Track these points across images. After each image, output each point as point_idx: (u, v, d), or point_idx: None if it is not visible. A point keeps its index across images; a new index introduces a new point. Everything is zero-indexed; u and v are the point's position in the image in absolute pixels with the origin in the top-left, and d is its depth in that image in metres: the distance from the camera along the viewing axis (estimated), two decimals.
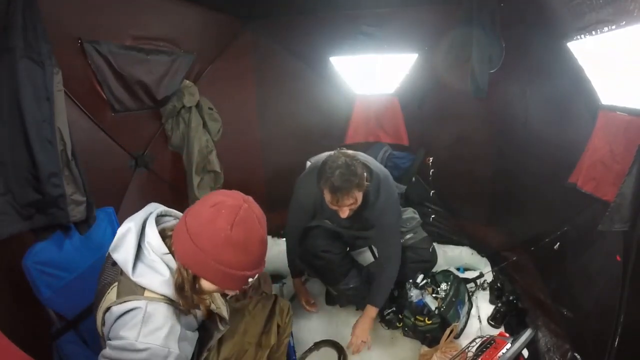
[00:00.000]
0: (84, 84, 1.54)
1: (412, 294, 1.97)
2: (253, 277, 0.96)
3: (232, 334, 1.32)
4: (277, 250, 2.61)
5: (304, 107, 2.65)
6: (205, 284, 0.97)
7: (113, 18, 1.55)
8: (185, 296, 0.95)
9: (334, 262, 1.96)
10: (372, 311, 1.87)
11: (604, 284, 1.47)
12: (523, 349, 1.62)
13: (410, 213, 2.15)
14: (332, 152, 1.66)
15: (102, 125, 1.68)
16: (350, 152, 1.67)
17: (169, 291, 0.93)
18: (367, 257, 2.37)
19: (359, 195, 1.60)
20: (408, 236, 2.04)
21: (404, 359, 1.93)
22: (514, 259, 2.27)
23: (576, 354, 1.58)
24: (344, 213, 1.62)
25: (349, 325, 1.96)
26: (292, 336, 1.68)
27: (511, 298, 2.02)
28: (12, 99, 1.06)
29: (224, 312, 1.15)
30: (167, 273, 0.93)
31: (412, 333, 1.95)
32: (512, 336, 1.75)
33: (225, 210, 0.89)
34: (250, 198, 0.97)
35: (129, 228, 0.95)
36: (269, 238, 2.70)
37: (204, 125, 2.23)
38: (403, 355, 1.95)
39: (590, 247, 1.61)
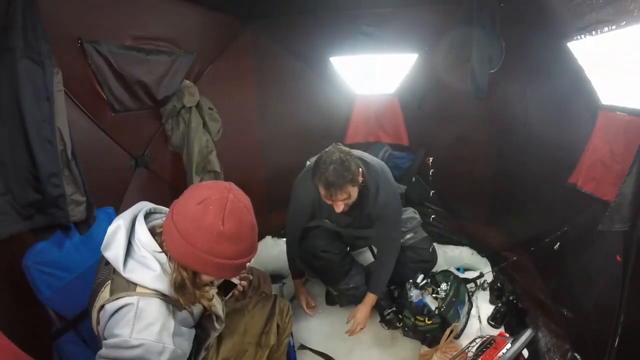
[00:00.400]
0: (84, 84, 1.54)
1: (412, 294, 1.97)
2: (250, 262, 0.99)
3: (231, 333, 1.32)
4: (277, 250, 2.62)
5: (304, 107, 2.65)
6: (205, 277, 0.99)
7: (113, 18, 1.55)
8: (187, 294, 0.96)
9: (334, 262, 1.97)
10: (372, 299, 1.93)
11: (604, 284, 1.47)
12: (523, 349, 1.62)
13: (410, 213, 2.15)
14: (327, 148, 1.67)
15: (102, 125, 1.68)
16: (345, 147, 1.68)
17: (161, 286, 0.93)
18: (367, 257, 2.37)
19: (353, 191, 1.61)
20: (408, 236, 2.04)
21: (404, 359, 1.93)
22: (514, 259, 2.27)
23: (576, 354, 1.58)
24: (339, 208, 1.64)
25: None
26: (292, 336, 1.68)
27: (511, 298, 2.02)
28: (12, 99, 1.06)
29: (220, 310, 1.15)
30: (158, 268, 0.93)
31: (412, 333, 1.95)
32: (512, 336, 1.75)
33: (212, 206, 0.89)
34: (232, 185, 0.97)
35: (118, 225, 0.95)
36: (269, 238, 2.74)
37: (204, 125, 2.23)
38: (403, 355, 1.95)
39: (590, 247, 1.61)
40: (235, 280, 1.27)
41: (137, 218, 0.99)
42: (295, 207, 1.94)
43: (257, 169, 2.81)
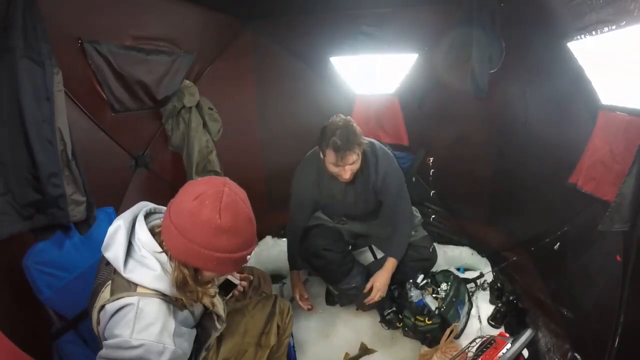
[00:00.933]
0: (84, 84, 1.54)
1: (412, 294, 1.97)
2: (250, 254, 0.99)
3: (232, 334, 1.32)
4: (277, 250, 2.62)
5: (304, 107, 2.65)
6: (207, 273, 0.99)
7: (113, 18, 1.55)
8: (189, 291, 0.97)
9: (334, 261, 1.97)
10: (392, 264, 1.92)
11: (604, 284, 1.47)
12: (523, 349, 1.62)
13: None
14: (330, 119, 1.71)
15: (102, 125, 1.68)
16: (346, 116, 1.73)
17: (162, 286, 0.93)
18: (367, 257, 2.37)
19: (360, 154, 1.67)
20: None
21: (404, 359, 1.93)
22: (514, 259, 2.27)
23: (576, 354, 1.58)
24: (347, 174, 1.66)
25: (349, 326, 1.96)
26: (292, 336, 1.68)
27: (511, 298, 2.02)
28: (12, 99, 1.06)
29: (221, 310, 1.15)
30: (158, 268, 0.93)
31: (412, 333, 1.95)
32: (512, 336, 1.75)
33: (208, 200, 0.89)
34: (227, 179, 0.97)
35: (118, 226, 0.96)
36: (269, 238, 2.74)
37: (204, 125, 2.23)
38: (403, 355, 1.95)
39: (590, 247, 1.61)
40: (235, 280, 1.27)
41: (137, 218, 0.99)
42: (296, 202, 1.96)
43: (257, 168, 2.81)
